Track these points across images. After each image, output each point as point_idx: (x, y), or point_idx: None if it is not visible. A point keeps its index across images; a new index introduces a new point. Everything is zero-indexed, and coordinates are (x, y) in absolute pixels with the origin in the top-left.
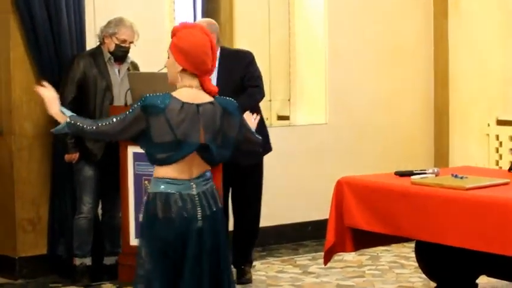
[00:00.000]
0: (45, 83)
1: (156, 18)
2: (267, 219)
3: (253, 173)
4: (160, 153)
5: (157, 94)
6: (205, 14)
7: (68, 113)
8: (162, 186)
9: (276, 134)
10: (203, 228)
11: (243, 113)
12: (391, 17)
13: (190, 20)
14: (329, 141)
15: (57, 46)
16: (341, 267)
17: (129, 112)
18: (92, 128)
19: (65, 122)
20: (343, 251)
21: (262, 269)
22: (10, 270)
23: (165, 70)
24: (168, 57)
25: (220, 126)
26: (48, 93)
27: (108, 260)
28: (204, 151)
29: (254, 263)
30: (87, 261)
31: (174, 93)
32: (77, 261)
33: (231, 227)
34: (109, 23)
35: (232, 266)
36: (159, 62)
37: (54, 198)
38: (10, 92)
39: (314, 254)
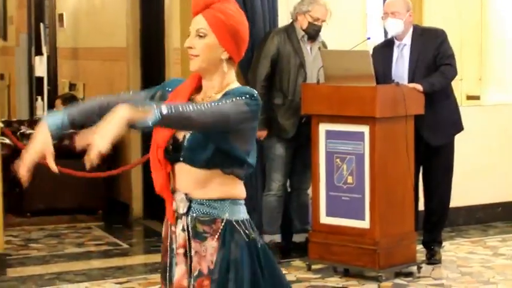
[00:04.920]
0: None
1: None
2: (456, 200)
3: (444, 152)
4: (251, 160)
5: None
6: None
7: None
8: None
9: (466, 113)
10: None
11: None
12: None
13: None
14: None
15: (250, 21)
16: None
17: (248, 105)
18: (209, 105)
19: (156, 113)
20: None
21: (452, 250)
22: None
23: (358, 48)
24: (202, 36)
25: None
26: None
27: (298, 237)
28: None
29: (443, 244)
30: (277, 238)
31: None
32: (266, 238)
33: (421, 207)
34: (303, 0)
35: (422, 246)
36: (350, 40)
37: None
38: None
39: (504, 235)
